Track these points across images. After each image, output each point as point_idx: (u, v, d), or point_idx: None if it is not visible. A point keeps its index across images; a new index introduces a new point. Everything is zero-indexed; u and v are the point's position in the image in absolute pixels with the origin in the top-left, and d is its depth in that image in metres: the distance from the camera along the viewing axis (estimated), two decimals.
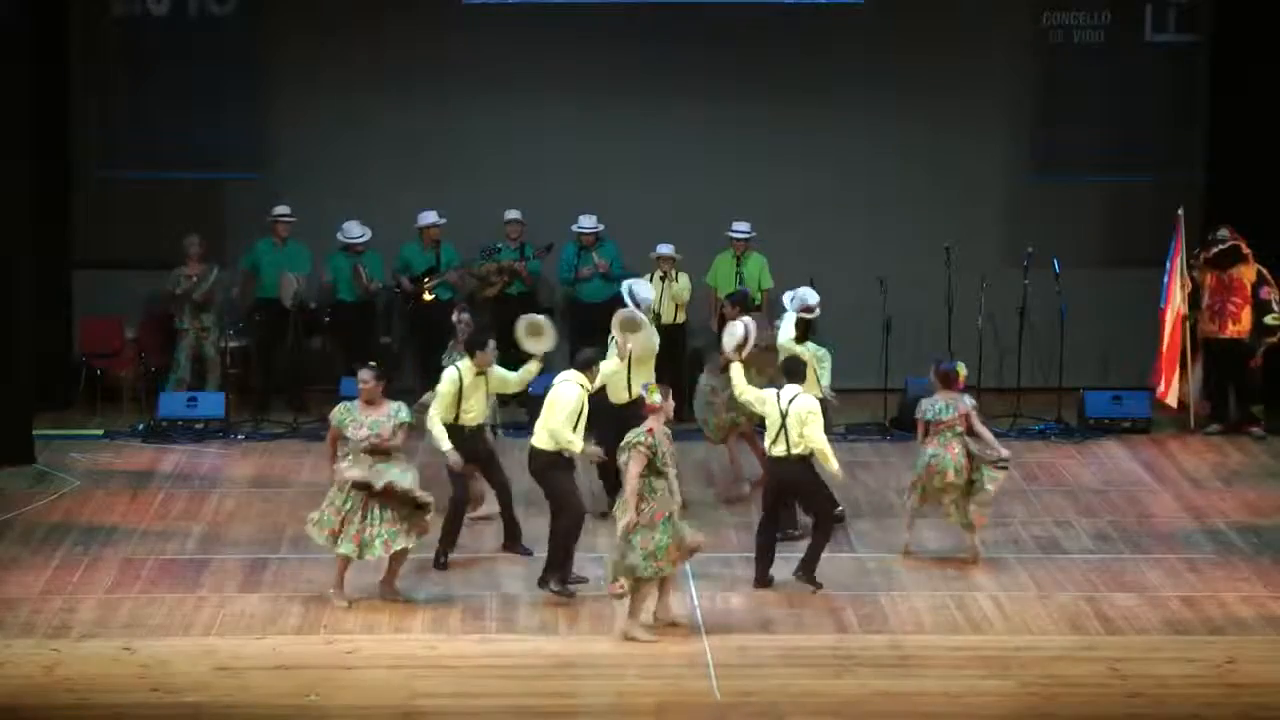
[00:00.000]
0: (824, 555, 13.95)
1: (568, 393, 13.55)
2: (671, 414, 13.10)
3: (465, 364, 14.14)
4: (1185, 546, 14.79)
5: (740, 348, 14.64)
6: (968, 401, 14.36)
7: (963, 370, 14.49)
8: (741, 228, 18.51)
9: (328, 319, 18.73)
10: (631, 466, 12.66)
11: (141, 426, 17.90)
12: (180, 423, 17.88)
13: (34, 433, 17.00)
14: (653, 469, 12.69)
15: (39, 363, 17.52)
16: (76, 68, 18.90)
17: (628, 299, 15.48)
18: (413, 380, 17.94)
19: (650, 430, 12.80)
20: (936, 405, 14.30)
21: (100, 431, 17.95)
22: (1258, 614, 13.26)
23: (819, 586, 13.48)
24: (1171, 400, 18.01)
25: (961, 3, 19.50)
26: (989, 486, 14.15)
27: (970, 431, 14.25)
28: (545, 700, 11.76)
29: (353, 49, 19.19)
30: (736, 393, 14.17)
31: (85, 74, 19.06)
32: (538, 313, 18.78)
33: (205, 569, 14.04)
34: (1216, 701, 11.82)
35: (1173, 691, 11.95)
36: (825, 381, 14.94)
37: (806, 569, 13.55)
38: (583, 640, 12.72)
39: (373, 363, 13.48)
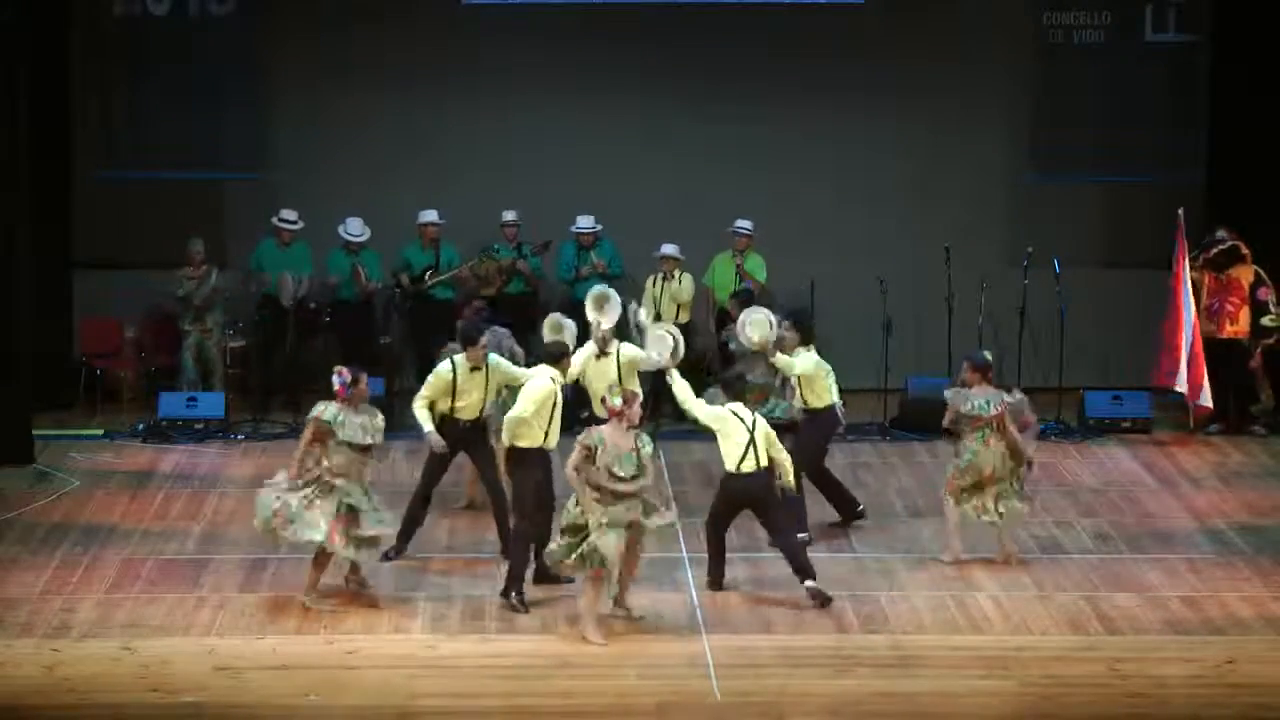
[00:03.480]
0: (826, 555, 14.00)
1: (535, 385, 13.42)
2: (635, 420, 12.84)
3: (460, 358, 14.08)
4: (1185, 546, 14.79)
5: (673, 355, 14.23)
6: (1007, 398, 14.18)
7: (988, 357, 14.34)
8: (745, 225, 18.51)
9: (328, 319, 18.73)
10: (567, 464, 12.73)
11: (141, 426, 17.90)
12: (180, 423, 17.88)
13: (34, 433, 17.00)
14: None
15: (39, 363, 17.52)
16: (76, 68, 18.90)
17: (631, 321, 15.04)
18: (412, 380, 17.95)
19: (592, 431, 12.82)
20: (976, 400, 14.12)
21: (100, 431, 17.95)
22: (1258, 614, 13.26)
23: (826, 599, 13.22)
24: (1206, 400, 17.92)
25: (961, 3, 19.51)
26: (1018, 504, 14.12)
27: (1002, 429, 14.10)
28: (545, 700, 11.76)
29: (353, 49, 19.19)
30: (682, 404, 13.72)
31: (85, 74, 19.07)
32: (537, 310, 18.91)
33: (205, 569, 14.04)
34: (1216, 701, 11.82)
35: (1173, 691, 11.95)
36: (835, 397, 14.83)
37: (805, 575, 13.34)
38: (583, 640, 12.71)
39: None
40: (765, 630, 12.92)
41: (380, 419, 13.32)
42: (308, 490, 13.08)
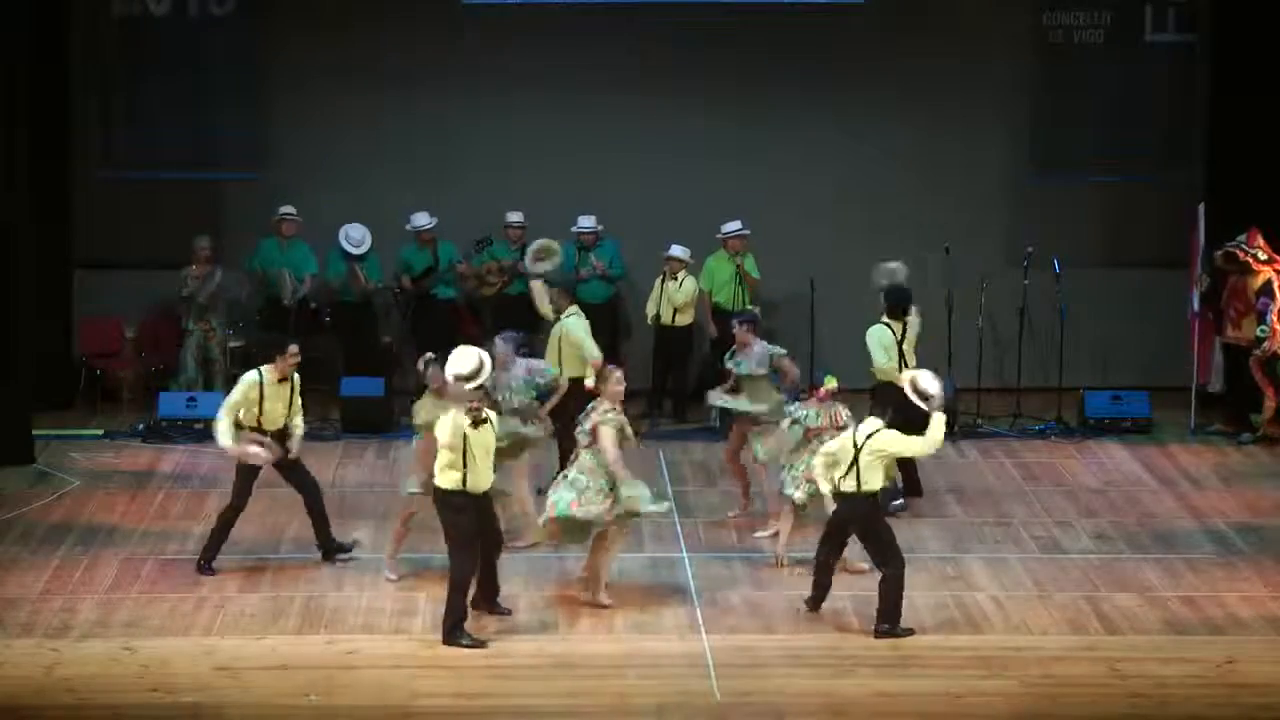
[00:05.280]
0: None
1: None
2: (620, 398, 13.17)
3: (268, 369, 13.91)
4: (1185, 546, 14.80)
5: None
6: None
7: (831, 383, 14.28)
8: (734, 225, 18.50)
9: (328, 319, 18.74)
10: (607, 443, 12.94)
11: (141, 426, 17.90)
12: (180, 423, 17.88)
13: (34, 433, 17.01)
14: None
15: (39, 363, 17.52)
16: (76, 68, 18.89)
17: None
18: (412, 380, 17.93)
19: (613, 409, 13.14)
20: (809, 412, 14.12)
21: (100, 431, 17.95)
22: (1258, 614, 13.26)
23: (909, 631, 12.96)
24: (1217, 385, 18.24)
25: (961, 3, 19.51)
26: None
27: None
28: (546, 700, 11.77)
29: (353, 49, 19.18)
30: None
31: (85, 74, 19.05)
32: (536, 313, 18.88)
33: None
34: (1216, 701, 11.83)
35: (1173, 691, 11.95)
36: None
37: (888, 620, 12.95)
38: (583, 640, 12.73)
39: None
40: (765, 630, 12.92)
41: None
42: None
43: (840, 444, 13.02)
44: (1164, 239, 18.62)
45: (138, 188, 19.24)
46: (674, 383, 18.53)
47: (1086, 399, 18.33)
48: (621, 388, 13.27)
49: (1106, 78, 19.55)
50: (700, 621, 13.01)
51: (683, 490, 16.07)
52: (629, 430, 13.20)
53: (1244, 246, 17.80)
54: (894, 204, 19.44)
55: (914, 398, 13.04)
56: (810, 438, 14.04)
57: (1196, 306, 18.13)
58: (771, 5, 19.48)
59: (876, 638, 12.70)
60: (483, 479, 12.56)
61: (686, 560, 14.18)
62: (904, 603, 12.98)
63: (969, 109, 19.53)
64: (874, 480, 12.84)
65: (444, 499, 12.58)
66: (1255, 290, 17.80)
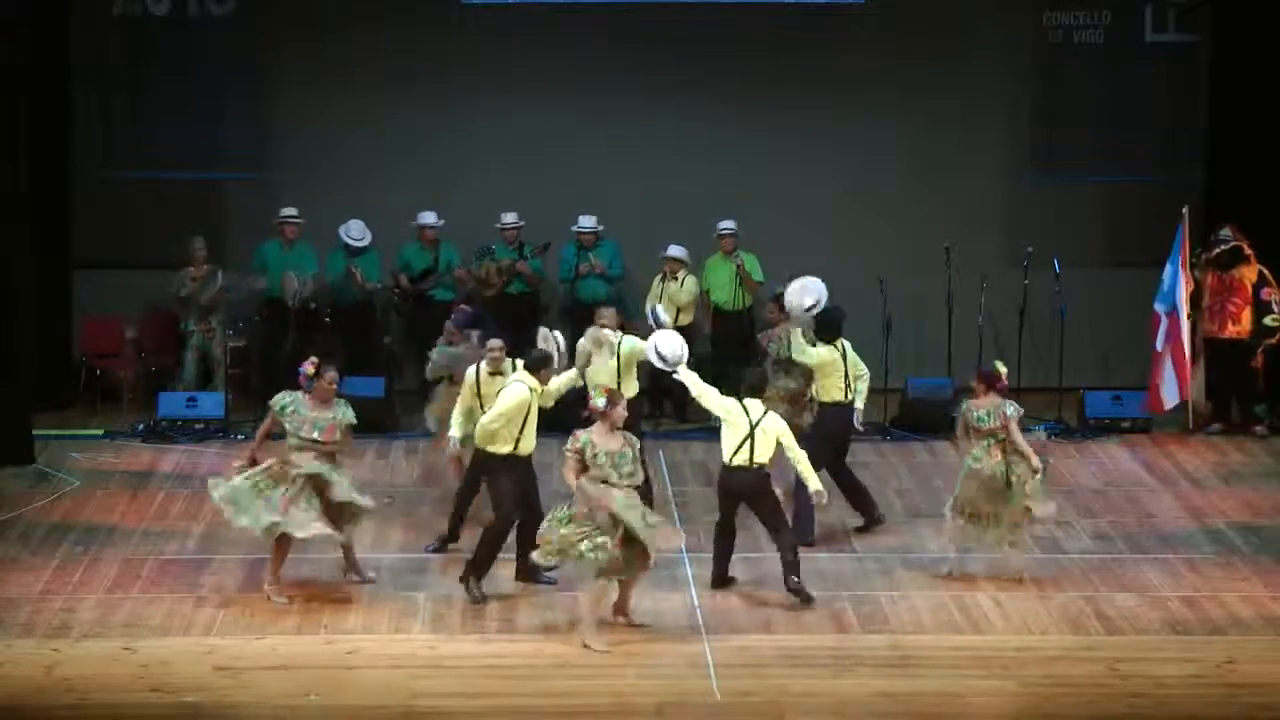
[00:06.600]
0: (826, 554, 14.02)
1: (510, 393, 13.33)
2: (619, 422, 12.71)
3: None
4: (1185, 546, 14.79)
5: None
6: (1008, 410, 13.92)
7: (1002, 369, 14.21)
8: (727, 225, 18.50)
9: (328, 319, 18.73)
10: (564, 472, 12.64)
11: (141, 426, 17.89)
12: (180, 423, 17.88)
13: (34, 433, 16.99)
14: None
15: (39, 363, 17.53)
16: (76, 68, 18.90)
17: (651, 319, 15.05)
18: (413, 381, 17.95)
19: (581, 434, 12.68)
20: (977, 412, 13.92)
21: (100, 431, 17.95)
22: (1258, 614, 13.26)
23: (809, 598, 13.23)
24: (1169, 405, 17.97)
25: (961, 3, 19.51)
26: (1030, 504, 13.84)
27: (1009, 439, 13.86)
28: (545, 700, 11.76)
29: (353, 49, 19.20)
30: (695, 396, 13.62)
31: (85, 74, 19.06)
32: (539, 311, 18.88)
33: (205, 569, 14.04)
34: (1216, 701, 11.82)
35: (1173, 691, 11.95)
36: (859, 404, 14.93)
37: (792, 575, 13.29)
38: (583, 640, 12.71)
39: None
40: (765, 630, 12.91)
41: (343, 416, 13.40)
42: (259, 478, 13.27)
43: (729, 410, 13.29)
44: (1164, 239, 18.57)
45: (138, 188, 19.25)
46: (670, 384, 18.51)
47: (1086, 399, 18.33)
48: (625, 414, 12.96)
49: (1106, 78, 19.56)
50: (700, 621, 13.01)
51: (683, 490, 16.07)
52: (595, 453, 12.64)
53: (1236, 241, 17.82)
54: (894, 204, 19.45)
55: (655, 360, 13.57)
56: (976, 438, 13.84)
57: (1188, 311, 18.06)
58: (771, 5, 19.48)
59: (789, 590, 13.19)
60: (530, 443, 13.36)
61: (686, 560, 14.17)
62: (905, 604, 13.07)
63: (969, 109, 19.54)
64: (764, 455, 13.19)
65: (494, 462, 13.35)
66: (1253, 283, 17.81)
